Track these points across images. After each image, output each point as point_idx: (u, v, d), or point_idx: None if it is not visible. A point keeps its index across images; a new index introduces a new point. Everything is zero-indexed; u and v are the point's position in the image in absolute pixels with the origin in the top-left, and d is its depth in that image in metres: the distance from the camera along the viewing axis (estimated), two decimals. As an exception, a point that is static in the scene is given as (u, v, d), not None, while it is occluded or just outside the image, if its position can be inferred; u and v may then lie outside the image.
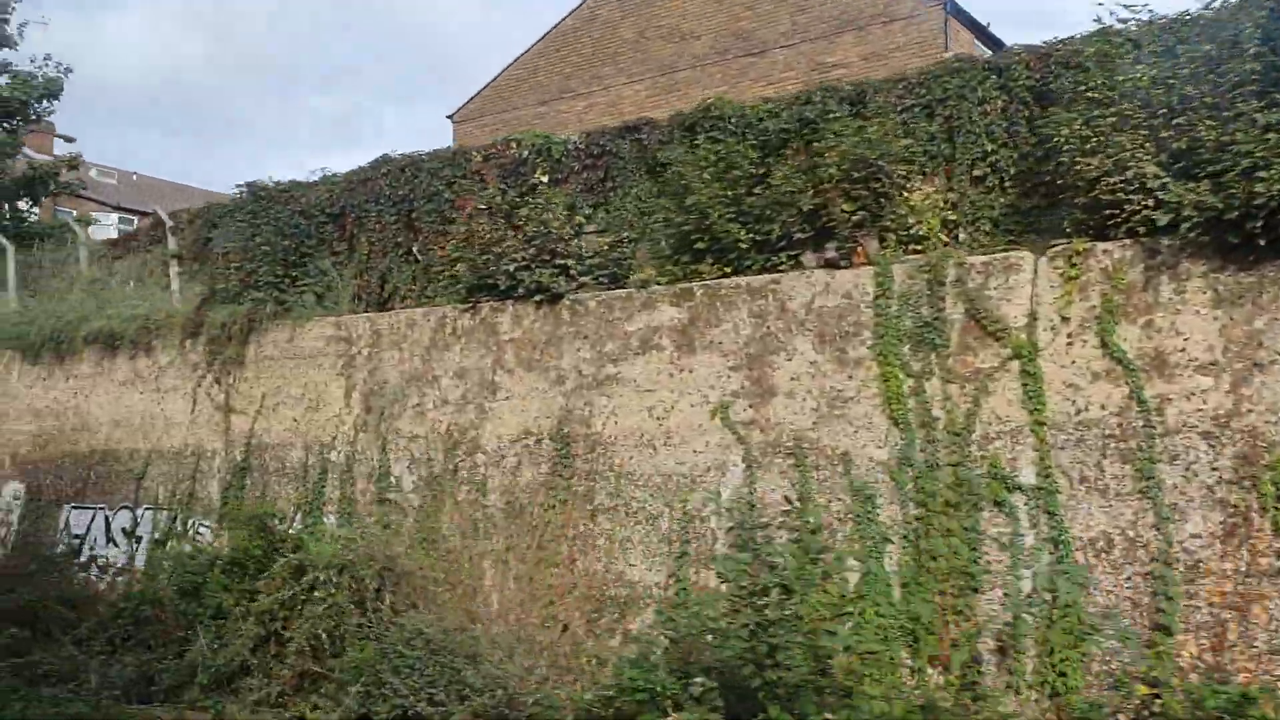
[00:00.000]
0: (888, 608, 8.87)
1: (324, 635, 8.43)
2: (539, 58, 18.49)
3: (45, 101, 22.00)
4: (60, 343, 16.36)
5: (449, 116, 20.84)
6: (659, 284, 10.95)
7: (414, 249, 14.15)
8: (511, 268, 11.68)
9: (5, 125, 21.04)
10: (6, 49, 21.66)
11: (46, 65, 21.77)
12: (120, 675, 8.37)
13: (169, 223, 16.96)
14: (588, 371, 11.16)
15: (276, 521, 11.01)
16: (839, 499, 9.35)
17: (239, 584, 9.89)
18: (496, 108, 19.13)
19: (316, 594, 8.73)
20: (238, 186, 15.50)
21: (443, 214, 13.69)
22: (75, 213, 23.04)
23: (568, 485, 10.99)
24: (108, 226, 24.58)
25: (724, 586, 8.65)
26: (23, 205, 22.09)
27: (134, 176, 42.42)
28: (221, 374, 14.47)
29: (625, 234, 12.11)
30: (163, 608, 10.36)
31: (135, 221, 19.42)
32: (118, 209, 35.97)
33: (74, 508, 15.77)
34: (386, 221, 14.18)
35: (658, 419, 10.55)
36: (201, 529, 14.18)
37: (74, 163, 21.69)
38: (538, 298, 11.59)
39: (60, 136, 21.88)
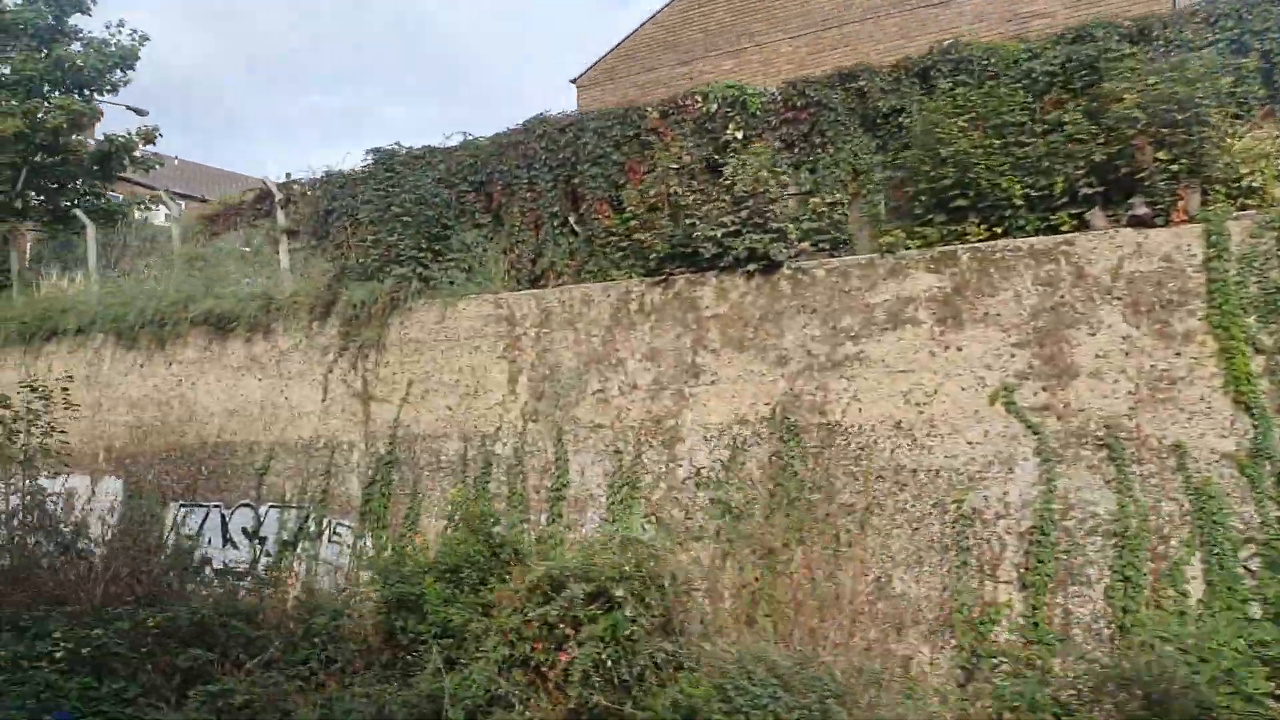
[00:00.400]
0: (1243, 627, 7.42)
1: (610, 662, 6.98)
2: (679, 15, 17.01)
3: (119, 71, 20.60)
4: (163, 325, 14.96)
5: (572, 80, 19.38)
6: (908, 248, 9.51)
7: (570, 219, 12.75)
8: (718, 234, 10.25)
9: (81, 95, 19.62)
10: (80, 14, 20.25)
11: (120, 32, 20.38)
12: (349, 711, 6.94)
13: (278, 195, 15.55)
14: (818, 350, 9.73)
15: (494, 523, 9.54)
16: (1172, 499, 7.89)
17: (465, 596, 8.46)
18: (630, 70, 17.66)
19: (602, 611, 7.24)
20: (367, 153, 14.08)
21: (610, 179, 12.26)
22: (121, 196, 21.60)
23: (796, 481, 9.56)
24: (157, 212, 23.12)
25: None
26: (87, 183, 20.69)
27: (175, 160, 41.17)
28: (358, 358, 13.06)
29: (838, 195, 10.67)
30: (363, 624, 8.94)
31: (182, 206, 17.92)
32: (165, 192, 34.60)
33: (183, 506, 14.40)
34: (541, 189, 12.75)
35: (917, 405, 9.11)
36: (340, 529, 12.80)
37: (150, 136, 20.28)
38: (750, 267, 10.16)
39: (131, 109, 20.42)
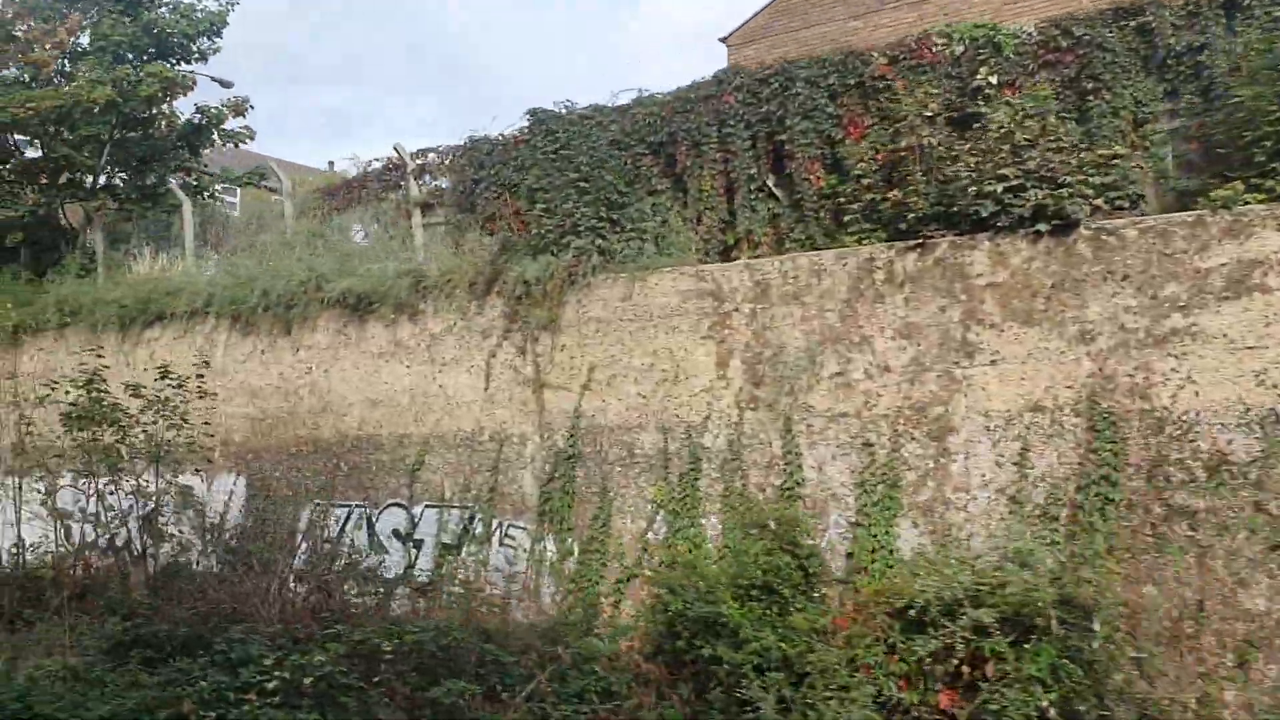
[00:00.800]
0: None
1: (1054, 710, 5.56)
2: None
3: (206, 38, 19.22)
4: (291, 307, 13.55)
5: (722, 39, 17.93)
6: (1248, 202, 8.04)
7: (769, 182, 11.32)
8: (997, 189, 8.79)
9: (169, 62, 18.22)
10: (166, -24, 18.88)
11: (208, -5, 19.00)
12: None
13: (410, 165, 14.14)
14: (1135, 324, 8.27)
15: (803, 531, 8.09)
16: None
17: (774, 619, 7.04)
18: (788, 26, 16.19)
19: (1021, 644, 5.80)
20: (524, 114, 12.64)
21: (823, 134, 10.83)
22: (214, 170, 20.18)
23: (1110, 480, 8.11)
24: (232, 203, 21.73)
25: None
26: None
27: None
28: (528, 341, 11.65)
29: (1116, 148, 9.20)
30: (637, 647, 7.54)
31: (286, 181, 16.47)
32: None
33: (319, 506, 13.01)
34: (737, 148, 11.32)
35: (1275, 386, 7.65)
36: (513, 531, 11.40)
37: (241, 108, 18.87)
38: (1038, 227, 8.69)
39: (216, 80, 18.97)
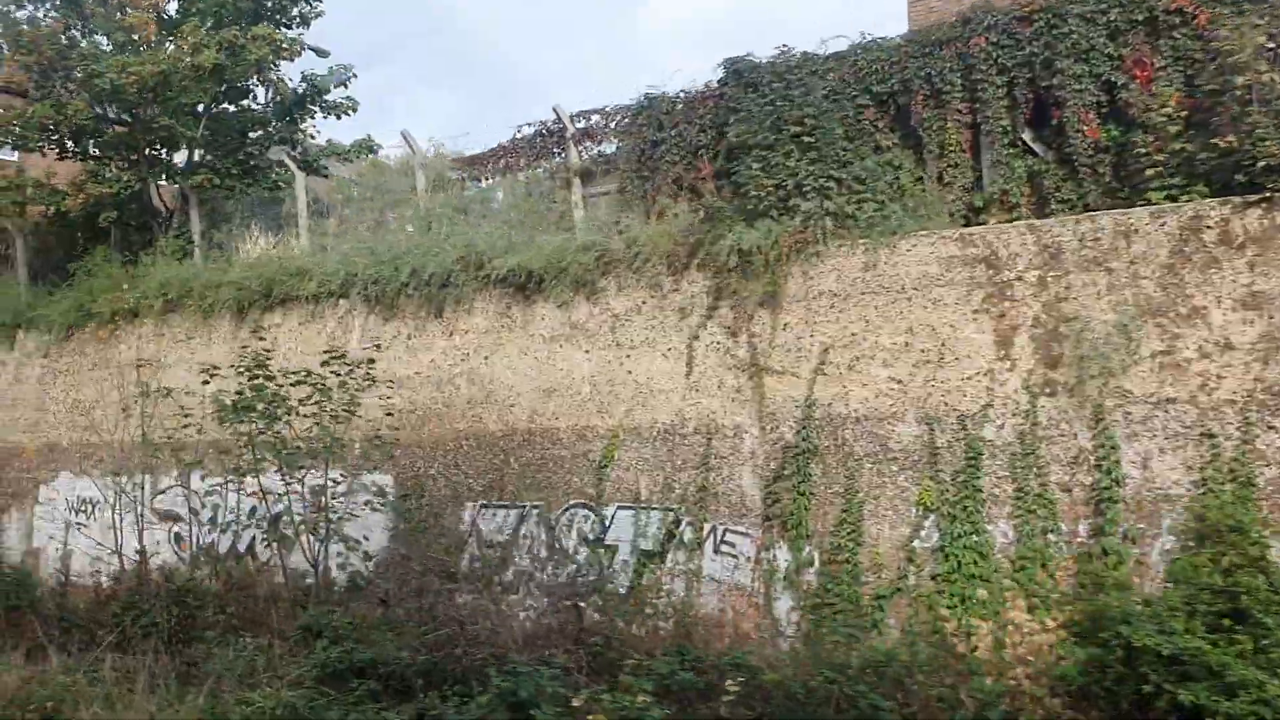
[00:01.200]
0: None
1: None
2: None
3: (306, 2, 17.78)
4: (445, 286, 12.12)
5: None
6: None
7: (1026, 136, 9.88)
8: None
9: (276, 20, 16.75)
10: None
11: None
12: None
13: (571, 129, 12.72)
14: None
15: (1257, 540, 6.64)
16: None
17: (1255, 654, 5.62)
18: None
19: None
20: (719, 65, 11.21)
21: (1102, 80, 9.38)
22: (323, 141, 18.66)
23: None
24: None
25: None
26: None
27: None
28: (741, 320, 10.22)
29: None
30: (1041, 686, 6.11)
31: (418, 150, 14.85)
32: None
33: (484, 507, 11.61)
34: (988, 98, 9.88)
35: None
36: (731, 537, 9.97)
37: (345, 78, 17.44)
38: None
39: (312, 49, 17.51)
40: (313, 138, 17.12)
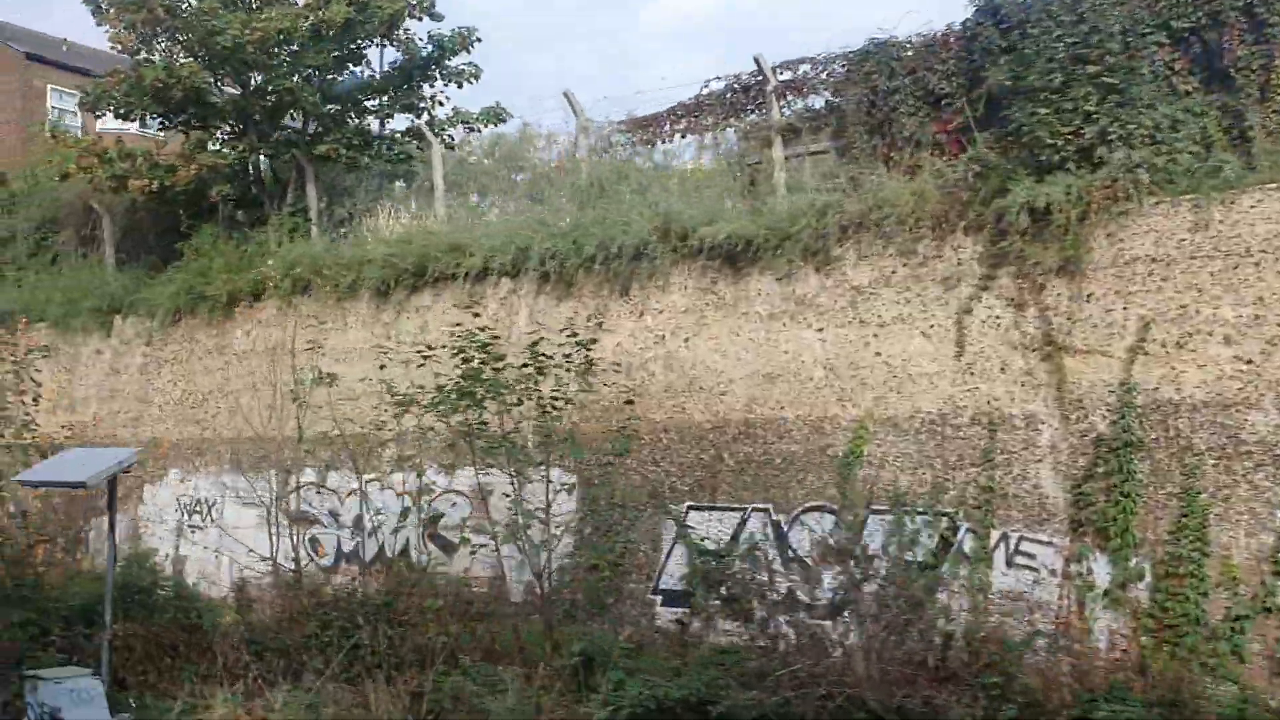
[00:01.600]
0: None
1: None
2: None
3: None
4: (637, 259, 10.63)
5: None
6: None
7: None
8: None
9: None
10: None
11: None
12: None
13: (773, 82, 11.24)
14: None
15: None
16: None
17: None
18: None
19: None
20: (969, 3, 9.74)
21: None
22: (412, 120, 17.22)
23: None
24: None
25: None
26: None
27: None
28: (1029, 291, 8.73)
29: None
30: None
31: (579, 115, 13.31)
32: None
33: (693, 509, 10.14)
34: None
35: None
36: (1028, 546, 8.46)
37: (468, 41, 15.99)
38: None
39: (428, 14, 16.04)
40: (442, 104, 15.63)
